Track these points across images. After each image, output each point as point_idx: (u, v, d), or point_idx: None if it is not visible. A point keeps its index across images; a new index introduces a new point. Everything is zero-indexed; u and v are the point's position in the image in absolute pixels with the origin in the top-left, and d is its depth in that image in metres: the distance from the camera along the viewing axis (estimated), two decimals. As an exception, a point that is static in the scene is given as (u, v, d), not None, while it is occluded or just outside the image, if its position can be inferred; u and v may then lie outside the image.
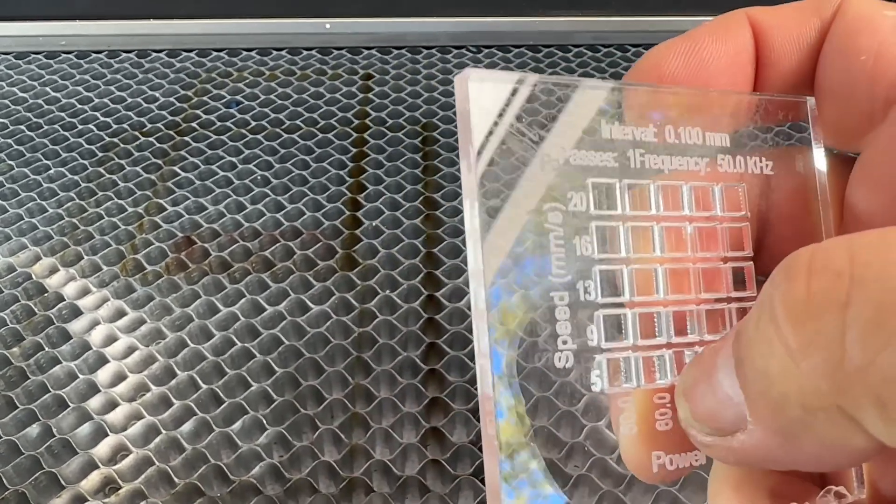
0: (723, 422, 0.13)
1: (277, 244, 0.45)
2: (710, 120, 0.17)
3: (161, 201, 0.48)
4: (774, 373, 0.12)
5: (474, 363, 0.16)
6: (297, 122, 0.53)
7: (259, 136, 0.52)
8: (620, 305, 0.15)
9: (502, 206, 0.14)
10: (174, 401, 0.37)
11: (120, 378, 0.38)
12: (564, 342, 0.15)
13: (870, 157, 0.17)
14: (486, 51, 0.61)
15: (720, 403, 0.13)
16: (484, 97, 0.14)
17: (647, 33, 0.62)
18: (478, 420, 0.35)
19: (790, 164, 0.18)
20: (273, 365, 0.38)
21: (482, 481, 0.34)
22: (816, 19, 0.17)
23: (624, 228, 0.16)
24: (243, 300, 0.41)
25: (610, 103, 0.16)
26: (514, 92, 0.15)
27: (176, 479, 0.34)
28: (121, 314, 0.41)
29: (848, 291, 0.11)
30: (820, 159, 0.18)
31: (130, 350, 0.39)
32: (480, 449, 0.34)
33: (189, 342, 0.39)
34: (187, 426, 0.36)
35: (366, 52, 0.61)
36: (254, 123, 0.53)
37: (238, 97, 0.56)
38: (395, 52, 0.61)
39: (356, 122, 0.54)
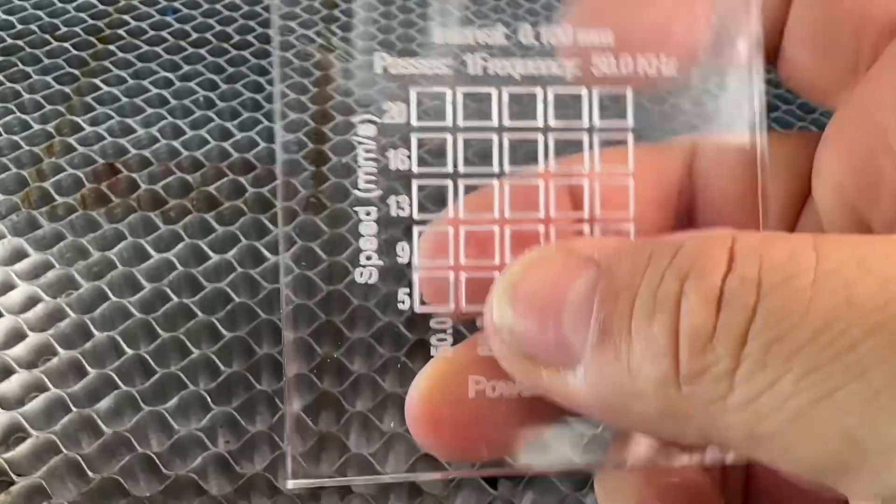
0: (554, 359, 0.12)
1: (224, 179, 0.37)
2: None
3: (77, 119, 0.39)
4: (641, 387, 0.11)
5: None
6: (249, 37, 0.45)
7: (201, 51, 0.43)
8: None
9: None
10: (89, 369, 0.29)
11: (17, 337, 0.30)
12: (368, 258, 0.14)
13: (844, 117, 0.13)
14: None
15: (556, 345, 0.12)
16: None
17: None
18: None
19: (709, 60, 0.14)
20: (219, 327, 0.31)
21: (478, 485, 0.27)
22: None
23: (453, 140, 0.14)
24: (181, 245, 0.33)
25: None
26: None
27: (90, 473, 0.27)
28: (20, 255, 0.33)
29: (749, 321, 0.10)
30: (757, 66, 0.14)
31: (32, 301, 0.31)
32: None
33: (110, 294, 0.31)
34: (105, 403, 0.28)
35: (329, -36, 0.52)
36: (195, 35, 0.45)
37: (176, 4, 0.47)
38: (364, -33, 0.53)
39: (318, 40, 0.45)
